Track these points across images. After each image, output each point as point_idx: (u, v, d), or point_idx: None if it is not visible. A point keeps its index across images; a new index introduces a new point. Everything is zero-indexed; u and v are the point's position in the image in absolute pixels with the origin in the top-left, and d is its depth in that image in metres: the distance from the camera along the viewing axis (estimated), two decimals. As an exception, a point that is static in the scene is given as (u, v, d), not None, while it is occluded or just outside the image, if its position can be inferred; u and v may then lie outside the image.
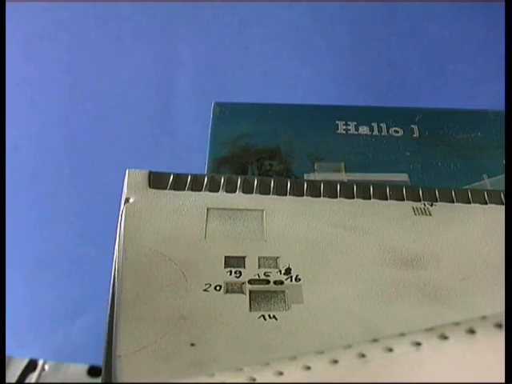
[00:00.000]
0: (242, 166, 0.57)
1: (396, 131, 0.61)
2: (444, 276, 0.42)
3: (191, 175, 0.49)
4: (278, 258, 0.43)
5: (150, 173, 0.49)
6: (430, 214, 0.47)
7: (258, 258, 0.43)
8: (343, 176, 0.56)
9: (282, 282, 0.42)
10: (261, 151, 0.59)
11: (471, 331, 0.31)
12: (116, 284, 0.41)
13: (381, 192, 0.49)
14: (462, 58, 0.83)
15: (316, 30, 0.81)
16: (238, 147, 0.60)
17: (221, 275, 0.42)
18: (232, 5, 0.68)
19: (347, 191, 0.49)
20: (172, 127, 0.84)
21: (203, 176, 0.49)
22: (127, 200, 0.46)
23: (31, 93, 0.76)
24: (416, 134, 0.61)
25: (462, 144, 0.60)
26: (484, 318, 0.32)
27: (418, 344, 0.32)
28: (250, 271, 0.43)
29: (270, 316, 0.39)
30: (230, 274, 0.42)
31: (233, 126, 0.62)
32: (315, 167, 0.57)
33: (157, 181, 0.48)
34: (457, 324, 0.32)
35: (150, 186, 0.47)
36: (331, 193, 0.48)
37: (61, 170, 0.81)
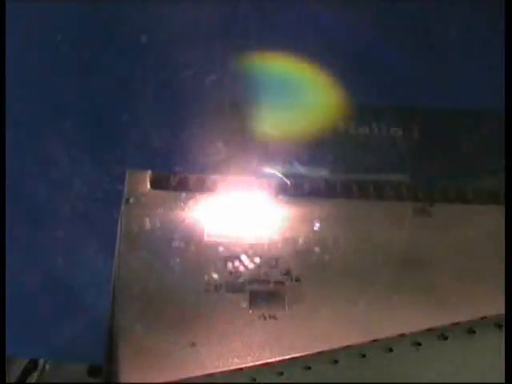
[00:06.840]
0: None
1: (396, 131, 0.61)
2: (444, 276, 0.42)
3: (193, 176, 0.49)
4: (277, 258, 0.43)
5: (152, 173, 0.49)
6: (430, 215, 0.47)
7: (258, 258, 0.43)
8: (343, 176, 0.56)
9: (282, 283, 0.42)
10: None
11: (471, 331, 0.32)
12: (117, 284, 0.41)
13: (381, 192, 0.49)
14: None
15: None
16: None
17: (221, 275, 0.42)
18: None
19: (347, 191, 0.49)
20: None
21: (205, 177, 0.49)
22: (127, 201, 0.46)
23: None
24: (416, 134, 0.61)
25: (462, 144, 0.60)
26: (484, 318, 0.32)
27: (418, 344, 0.32)
28: (250, 271, 0.43)
29: (269, 316, 0.39)
30: (231, 274, 0.42)
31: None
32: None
33: (158, 181, 0.48)
34: (457, 324, 0.32)
35: (151, 187, 0.47)
36: (331, 193, 0.48)
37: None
